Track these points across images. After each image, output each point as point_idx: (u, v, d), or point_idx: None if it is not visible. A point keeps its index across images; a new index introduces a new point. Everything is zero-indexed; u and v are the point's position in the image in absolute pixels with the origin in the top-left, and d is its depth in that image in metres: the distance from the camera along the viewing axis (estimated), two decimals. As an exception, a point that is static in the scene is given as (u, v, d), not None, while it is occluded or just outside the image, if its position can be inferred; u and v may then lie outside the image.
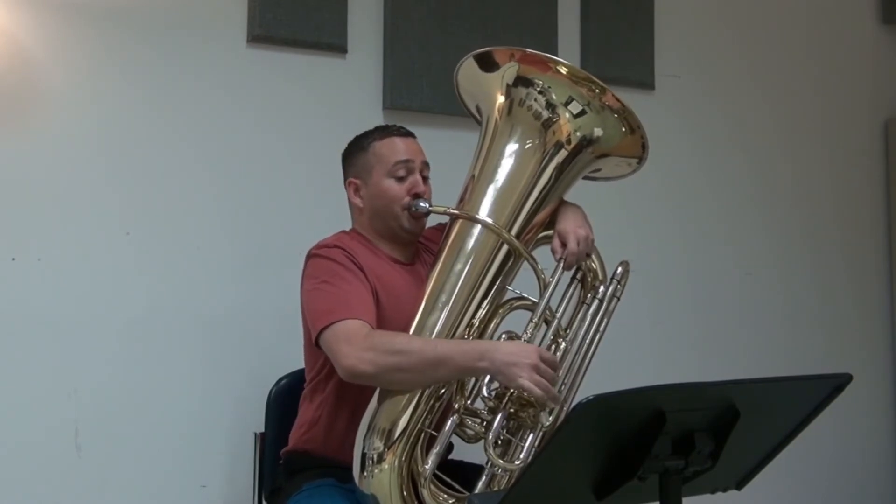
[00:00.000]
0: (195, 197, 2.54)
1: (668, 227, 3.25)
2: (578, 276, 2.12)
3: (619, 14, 3.15)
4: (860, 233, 3.67)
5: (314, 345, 2.01)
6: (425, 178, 2.17)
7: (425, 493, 1.92)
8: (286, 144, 2.66)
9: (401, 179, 2.13)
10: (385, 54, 2.78)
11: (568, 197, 2.20)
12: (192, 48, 2.55)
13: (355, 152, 2.20)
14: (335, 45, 2.71)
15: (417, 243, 2.24)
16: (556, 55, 2.44)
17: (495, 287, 2.04)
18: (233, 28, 2.60)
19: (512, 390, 1.92)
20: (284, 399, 2.31)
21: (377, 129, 2.21)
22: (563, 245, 2.08)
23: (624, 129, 2.11)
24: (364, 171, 2.16)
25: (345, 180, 2.22)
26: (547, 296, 2.02)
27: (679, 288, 3.26)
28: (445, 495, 1.94)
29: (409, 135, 2.20)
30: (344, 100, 2.73)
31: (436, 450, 1.92)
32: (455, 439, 2.00)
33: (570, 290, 2.10)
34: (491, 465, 1.92)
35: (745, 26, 3.46)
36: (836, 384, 1.61)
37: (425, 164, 2.18)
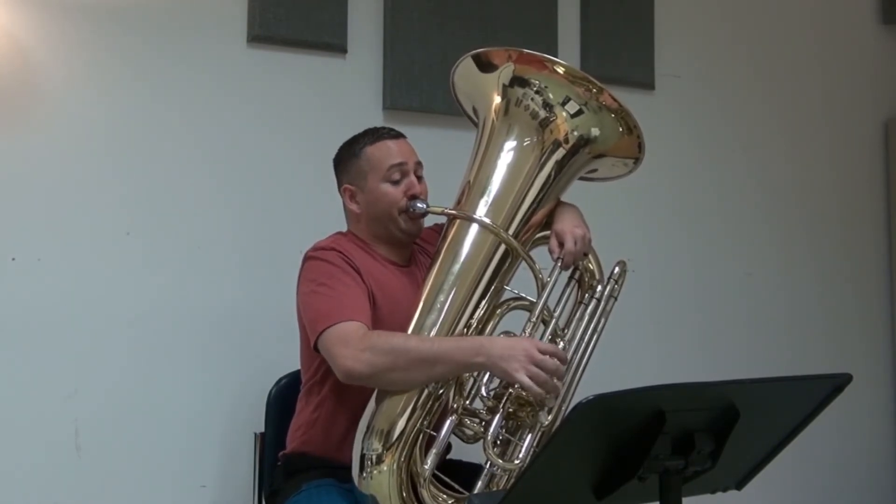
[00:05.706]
0: (195, 197, 2.54)
1: (669, 227, 3.25)
2: (576, 276, 2.12)
3: (619, 14, 3.15)
4: (860, 233, 3.67)
5: (313, 348, 2.01)
6: (419, 178, 2.16)
7: (425, 493, 1.91)
8: (286, 144, 2.66)
9: (396, 182, 2.12)
10: (385, 54, 2.78)
11: (570, 196, 2.20)
12: (192, 48, 2.55)
13: (347, 159, 2.18)
14: (335, 45, 2.71)
15: (414, 244, 2.24)
16: (556, 55, 2.44)
17: (493, 287, 2.03)
18: (233, 28, 2.60)
19: (510, 390, 1.92)
20: (284, 399, 2.31)
21: (367, 133, 2.19)
22: (561, 245, 2.07)
23: (621, 130, 2.10)
24: (358, 178, 2.15)
25: (339, 187, 2.21)
26: (545, 295, 2.02)
27: (680, 288, 3.25)
28: (445, 495, 1.94)
29: (400, 136, 2.18)
30: (344, 100, 2.73)
31: (434, 450, 1.92)
32: (454, 439, 2.00)
33: (568, 290, 2.10)
34: (490, 464, 1.91)
35: (745, 26, 3.46)
36: (836, 384, 1.60)
37: (418, 164, 2.17)
